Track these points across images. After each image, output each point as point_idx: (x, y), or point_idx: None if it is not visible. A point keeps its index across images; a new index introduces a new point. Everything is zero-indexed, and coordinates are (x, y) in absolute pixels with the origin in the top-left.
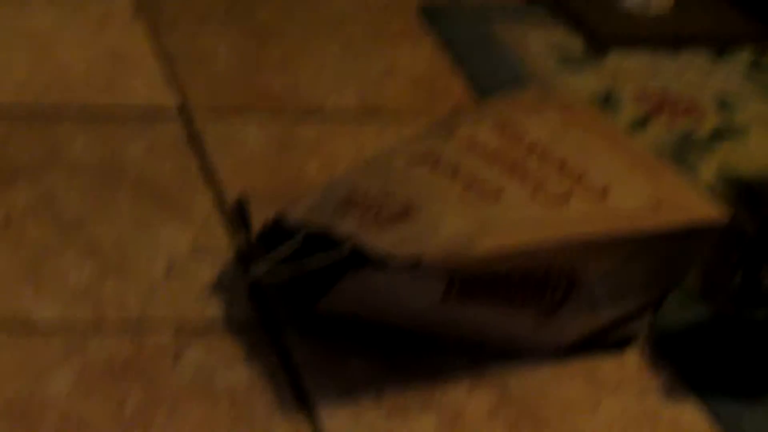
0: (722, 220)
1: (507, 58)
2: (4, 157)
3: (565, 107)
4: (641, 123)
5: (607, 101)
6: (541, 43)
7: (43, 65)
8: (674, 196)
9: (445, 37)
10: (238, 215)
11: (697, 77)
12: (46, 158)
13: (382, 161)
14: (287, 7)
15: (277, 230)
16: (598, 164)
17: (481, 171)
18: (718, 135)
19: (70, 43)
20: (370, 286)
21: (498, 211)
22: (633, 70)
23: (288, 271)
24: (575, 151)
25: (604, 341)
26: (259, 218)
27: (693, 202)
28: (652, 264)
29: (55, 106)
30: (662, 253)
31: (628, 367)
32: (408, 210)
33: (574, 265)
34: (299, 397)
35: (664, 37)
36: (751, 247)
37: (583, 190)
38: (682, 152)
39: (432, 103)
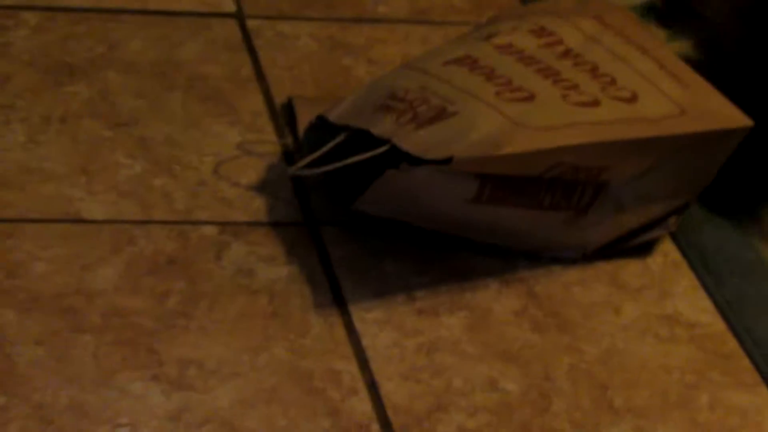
0: (747, 125)
1: None
2: (64, 55)
3: (602, 14)
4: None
5: (649, 11)
6: None
7: None
8: (701, 102)
9: None
10: (286, 116)
11: None
12: (104, 57)
13: (422, 63)
14: None
15: (321, 129)
16: (629, 70)
17: (516, 74)
18: None
19: None
20: (405, 184)
21: (530, 112)
22: None
23: (327, 166)
24: (608, 57)
25: (629, 245)
26: (305, 118)
27: (719, 109)
28: (678, 169)
29: (115, 7)
30: (687, 159)
31: (651, 272)
32: (444, 110)
33: (602, 168)
34: (334, 295)
35: None
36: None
37: (613, 95)
38: None
39: (479, 9)
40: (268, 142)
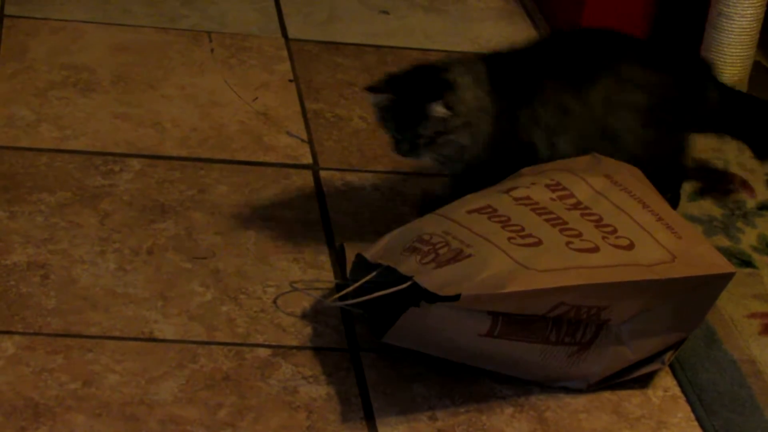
0: (730, 272)
1: None
2: (159, 196)
3: (612, 173)
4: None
5: None
6: None
7: (204, 122)
8: (691, 251)
9: None
10: (339, 257)
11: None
12: (193, 199)
13: (449, 211)
14: None
15: (364, 268)
16: (629, 222)
17: (528, 222)
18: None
19: (231, 103)
20: (426, 320)
21: (535, 256)
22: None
23: (358, 297)
24: (612, 210)
25: (629, 377)
26: (353, 259)
27: (707, 257)
28: (672, 310)
29: (208, 157)
30: (680, 300)
31: (652, 404)
32: (461, 252)
33: (601, 308)
34: (366, 413)
35: None
36: None
37: (613, 243)
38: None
39: None
40: (325, 278)
